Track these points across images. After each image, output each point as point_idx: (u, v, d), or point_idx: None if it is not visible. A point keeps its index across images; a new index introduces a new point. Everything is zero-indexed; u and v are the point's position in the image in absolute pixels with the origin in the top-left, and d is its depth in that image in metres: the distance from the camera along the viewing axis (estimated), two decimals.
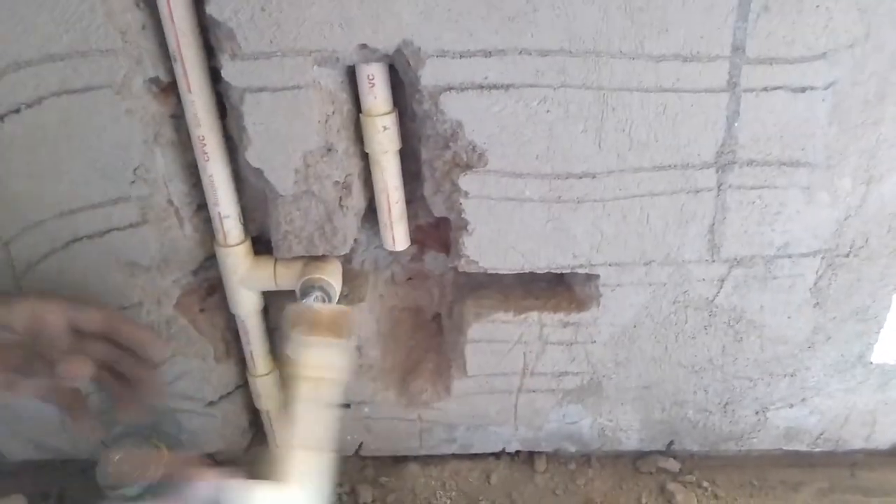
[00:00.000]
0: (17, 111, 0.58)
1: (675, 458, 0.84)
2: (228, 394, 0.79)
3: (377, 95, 0.60)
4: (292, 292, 0.67)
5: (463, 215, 0.64)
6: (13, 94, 0.57)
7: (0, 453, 0.83)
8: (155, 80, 0.59)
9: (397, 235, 0.67)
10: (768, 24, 0.55)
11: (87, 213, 0.63)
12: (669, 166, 0.62)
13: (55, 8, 0.53)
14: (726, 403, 0.78)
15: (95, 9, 0.53)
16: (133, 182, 0.61)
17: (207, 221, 0.66)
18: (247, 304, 0.70)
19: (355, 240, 0.68)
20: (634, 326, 0.72)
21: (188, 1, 0.54)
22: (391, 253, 0.72)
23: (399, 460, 0.85)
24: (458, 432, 0.82)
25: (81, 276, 0.66)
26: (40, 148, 0.59)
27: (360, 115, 0.61)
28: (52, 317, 0.52)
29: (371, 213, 0.68)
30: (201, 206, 0.67)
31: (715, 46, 0.56)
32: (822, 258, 0.67)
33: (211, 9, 0.54)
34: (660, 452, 0.84)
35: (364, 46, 0.56)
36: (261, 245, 0.69)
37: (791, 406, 0.78)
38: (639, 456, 0.85)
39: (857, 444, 0.82)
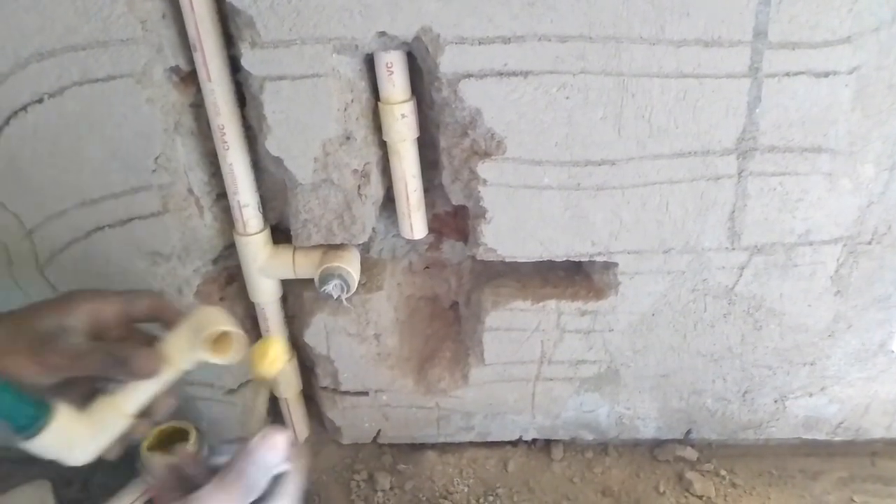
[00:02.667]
0: (40, 101, 0.58)
1: (693, 446, 0.84)
2: (247, 382, 0.79)
3: (395, 83, 0.59)
4: (311, 280, 0.67)
5: (481, 203, 0.64)
6: (36, 84, 0.57)
7: None
8: (175, 69, 0.59)
9: (415, 224, 0.67)
10: (791, 7, 0.54)
11: (109, 202, 0.64)
12: (689, 153, 0.61)
13: None
14: (745, 392, 0.78)
15: None
16: (154, 171, 0.62)
17: (227, 210, 0.67)
18: (266, 293, 0.71)
19: (373, 228, 0.68)
20: (653, 315, 0.71)
21: None
22: (409, 241, 0.72)
23: (417, 448, 0.85)
24: (475, 420, 0.82)
25: (104, 265, 0.67)
26: (62, 137, 0.60)
27: (379, 103, 0.61)
28: (108, 312, 0.54)
29: (389, 202, 0.68)
30: (221, 195, 0.67)
31: (737, 31, 0.55)
32: (844, 245, 0.66)
33: None
34: (678, 441, 0.84)
35: (383, 34, 0.56)
36: (280, 234, 0.69)
37: (811, 395, 0.77)
38: (656, 444, 0.85)
39: (878, 433, 0.81)
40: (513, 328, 0.73)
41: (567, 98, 0.58)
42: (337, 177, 0.63)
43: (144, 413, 0.54)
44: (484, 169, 0.62)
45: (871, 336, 0.73)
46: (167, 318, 0.55)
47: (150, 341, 0.53)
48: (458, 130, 0.61)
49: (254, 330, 0.77)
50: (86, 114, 0.59)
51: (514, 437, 0.84)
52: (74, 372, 0.51)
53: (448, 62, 0.57)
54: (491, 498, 0.80)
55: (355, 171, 0.63)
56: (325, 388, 0.80)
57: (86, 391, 0.53)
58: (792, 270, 0.68)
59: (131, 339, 0.55)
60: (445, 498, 0.80)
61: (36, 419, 0.47)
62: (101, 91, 0.58)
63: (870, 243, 0.66)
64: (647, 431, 0.82)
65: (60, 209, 0.64)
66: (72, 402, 0.51)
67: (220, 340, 0.53)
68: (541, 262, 0.69)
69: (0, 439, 0.81)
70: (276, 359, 0.56)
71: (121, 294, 0.55)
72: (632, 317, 0.72)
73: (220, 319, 0.53)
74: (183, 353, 0.52)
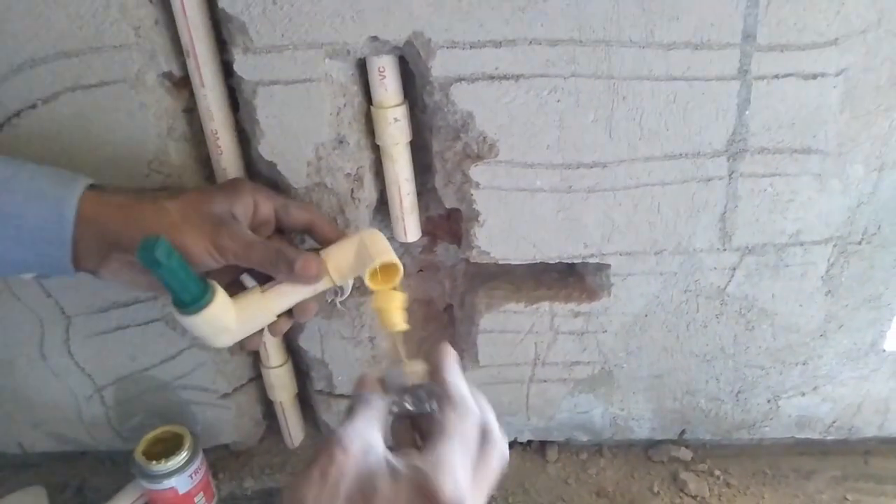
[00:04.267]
0: (33, 107, 0.58)
1: (687, 446, 0.84)
2: (242, 385, 0.79)
3: (388, 87, 0.60)
4: None
5: (474, 206, 0.64)
6: (29, 91, 0.57)
7: (20, 445, 0.84)
8: (168, 75, 0.59)
9: (409, 227, 0.68)
10: (779, 10, 0.55)
11: None
12: (680, 155, 0.62)
13: (70, 4, 0.54)
14: (738, 392, 0.78)
15: (110, 5, 0.54)
16: (147, 175, 0.62)
17: None
18: None
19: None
20: (646, 316, 0.72)
21: None
22: (402, 244, 0.72)
23: None
24: None
25: None
26: (56, 142, 0.60)
27: (371, 107, 0.62)
28: (266, 209, 0.56)
29: (382, 206, 0.68)
30: None
31: (726, 34, 0.56)
32: (834, 246, 0.67)
33: (223, 3, 0.54)
34: (672, 441, 0.84)
35: (375, 39, 0.56)
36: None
37: (803, 394, 0.78)
38: (651, 445, 0.85)
39: (870, 431, 0.82)
40: (507, 330, 0.73)
41: (558, 101, 0.59)
42: (330, 181, 0.63)
43: (289, 312, 0.56)
44: (476, 172, 0.62)
45: (863, 335, 0.73)
46: (322, 234, 0.57)
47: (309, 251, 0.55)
48: (451, 134, 0.62)
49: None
50: (79, 119, 0.59)
51: (508, 439, 0.84)
52: (241, 260, 0.52)
53: (440, 66, 0.57)
54: None
55: (348, 174, 0.63)
56: (319, 392, 0.81)
57: (231, 280, 0.56)
58: (783, 271, 0.68)
59: (290, 243, 0.57)
60: None
61: (201, 297, 0.50)
62: (95, 97, 0.58)
63: (860, 243, 0.67)
64: (642, 432, 0.83)
65: None
66: (227, 281, 0.54)
67: (384, 269, 0.55)
68: (534, 264, 0.69)
69: None
70: (400, 310, 0.56)
71: (281, 195, 0.58)
72: (625, 318, 0.72)
73: (385, 249, 0.55)
74: (342, 270, 0.55)
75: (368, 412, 0.45)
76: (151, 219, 0.52)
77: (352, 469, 0.41)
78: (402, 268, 0.55)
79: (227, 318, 0.53)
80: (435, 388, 0.47)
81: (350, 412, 0.46)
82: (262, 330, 0.57)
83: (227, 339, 0.55)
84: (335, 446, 0.41)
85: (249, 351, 0.57)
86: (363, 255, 0.55)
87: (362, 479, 0.40)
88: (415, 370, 0.49)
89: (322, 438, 0.49)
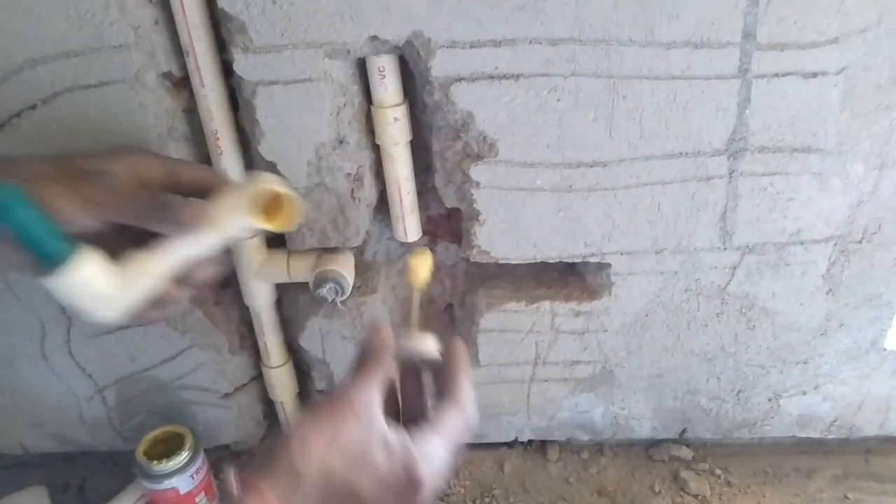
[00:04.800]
0: (33, 107, 0.58)
1: (688, 445, 0.84)
2: (243, 385, 0.80)
3: (388, 87, 0.60)
4: (306, 284, 0.68)
5: (474, 206, 0.64)
6: (29, 91, 0.58)
7: (21, 445, 0.84)
8: (168, 75, 0.59)
9: (409, 227, 0.68)
10: (779, 9, 0.55)
11: None
12: (680, 154, 0.62)
13: (70, 5, 0.54)
14: (739, 391, 0.78)
15: (109, 5, 0.54)
16: None
17: None
18: (261, 297, 0.71)
19: (367, 231, 0.68)
20: (646, 315, 0.72)
21: None
22: (403, 244, 0.72)
23: None
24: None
25: None
26: (56, 143, 0.60)
27: (371, 106, 0.62)
28: (154, 170, 0.51)
29: (383, 205, 0.68)
30: None
31: (726, 33, 0.56)
32: (835, 245, 0.67)
33: (223, 3, 0.54)
34: (672, 440, 0.84)
35: (374, 38, 0.56)
36: (274, 238, 0.70)
37: (804, 393, 0.78)
38: (651, 444, 0.85)
39: (871, 430, 0.82)
40: (507, 329, 0.73)
41: (558, 100, 0.59)
42: (330, 180, 0.63)
43: (183, 280, 0.51)
44: (476, 171, 0.62)
45: (864, 334, 0.73)
46: (214, 190, 0.51)
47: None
48: (451, 133, 0.62)
49: (250, 335, 0.77)
50: (79, 120, 0.59)
51: (509, 439, 0.85)
52: (115, 213, 0.48)
53: (439, 66, 0.57)
54: (487, 499, 0.80)
55: (349, 174, 0.63)
56: (321, 392, 0.81)
57: (126, 248, 0.50)
58: (784, 270, 0.68)
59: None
60: (442, 500, 0.80)
61: (59, 252, 0.44)
62: (95, 97, 0.58)
63: (860, 242, 0.67)
64: (643, 431, 0.83)
65: None
66: (109, 255, 0.48)
67: (273, 206, 0.49)
68: (534, 263, 0.69)
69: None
70: (427, 270, 0.55)
71: (167, 157, 0.53)
72: (625, 317, 0.72)
73: (273, 182, 0.49)
74: (230, 214, 0.49)
75: (378, 370, 0.48)
76: (17, 173, 0.46)
77: (357, 435, 0.44)
78: (294, 200, 0.50)
79: (100, 283, 0.47)
80: (446, 371, 0.50)
81: (361, 362, 0.49)
82: (161, 303, 0.51)
83: (108, 309, 0.48)
84: (347, 408, 0.45)
85: (143, 324, 0.51)
86: (253, 194, 0.48)
87: (363, 446, 0.44)
88: (426, 344, 0.51)
89: (338, 388, 0.49)
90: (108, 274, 0.47)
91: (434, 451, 0.46)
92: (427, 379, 0.54)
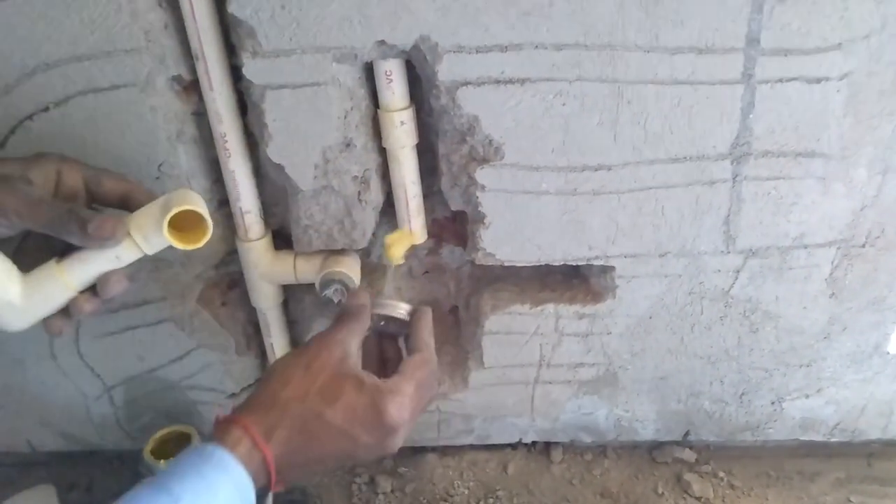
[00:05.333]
0: (46, 110, 0.59)
1: (691, 448, 0.84)
2: (249, 386, 0.80)
3: (395, 91, 0.60)
4: (312, 285, 0.68)
5: (480, 209, 0.65)
6: (42, 94, 0.58)
7: (29, 444, 0.85)
8: (178, 79, 0.60)
9: (415, 229, 0.68)
10: (783, 15, 0.55)
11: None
12: (685, 158, 0.62)
13: (83, 9, 0.55)
14: (742, 394, 0.78)
15: (121, 9, 0.55)
16: (157, 178, 0.63)
17: (229, 217, 0.68)
18: (268, 298, 0.72)
19: (373, 234, 0.69)
20: (650, 318, 0.72)
21: (210, 0, 0.56)
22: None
23: (417, 451, 0.86)
24: (475, 423, 0.83)
25: None
26: (67, 146, 0.61)
27: (378, 110, 0.62)
28: (73, 179, 0.51)
29: (389, 208, 0.69)
30: (223, 202, 0.68)
31: (730, 38, 0.56)
32: (838, 249, 0.67)
33: (232, 7, 0.55)
34: (676, 443, 0.85)
35: (382, 43, 0.57)
36: (281, 239, 0.70)
37: (807, 396, 0.78)
38: (655, 446, 0.85)
39: (874, 434, 0.82)
40: (512, 332, 0.74)
41: (563, 105, 0.59)
42: (337, 183, 0.63)
43: (93, 290, 0.50)
44: (482, 175, 0.63)
45: (867, 338, 0.73)
46: (137, 203, 0.51)
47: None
48: (457, 137, 0.62)
49: (256, 336, 0.78)
50: (90, 123, 0.60)
51: (513, 440, 0.85)
52: (27, 220, 0.47)
53: (446, 70, 0.58)
54: (491, 500, 0.80)
55: (355, 177, 0.64)
56: None
57: (39, 257, 0.49)
58: (787, 273, 0.69)
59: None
60: (446, 500, 0.81)
61: None
62: (105, 100, 0.59)
63: (863, 246, 0.67)
64: (646, 433, 0.83)
65: None
66: (21, 266, 0.48)
67: (187, 224, 0.49)
68: (539, 266, 0.70)
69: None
70: (405, 248, 0.64)
71: (91, 166, 0.52)
72: (629, 320, 0.72)
73: (189, 200, 0.48)
74: (143, 229, 0.48)
75: (355, 325, 0.56)
76: None
77: (330, 367, 0.51)
78: (207, 218, 0.49)
79: (7, 292, 0.46)
80: (411, 331, 0.59)
81: (340, 318, 0.57)
82: (66, 311, 0.50)
83: (15, 319, 0.48)
84: (323, 347, 0.53)
85: (52, 335, 0.51)
86: (166, 210, 0.47)
87: (336, 378, 0.51)
88: (399, 307, 0.60)
89: (316, 334, 0.55)
90: (13, 282, 0.47)
91: (403, 394, 0.52)
92: (403, 345, 0.62)
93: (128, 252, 0.49)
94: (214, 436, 0.48)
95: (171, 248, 0.49)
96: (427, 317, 0.61)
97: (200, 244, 0.50)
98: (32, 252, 0.50)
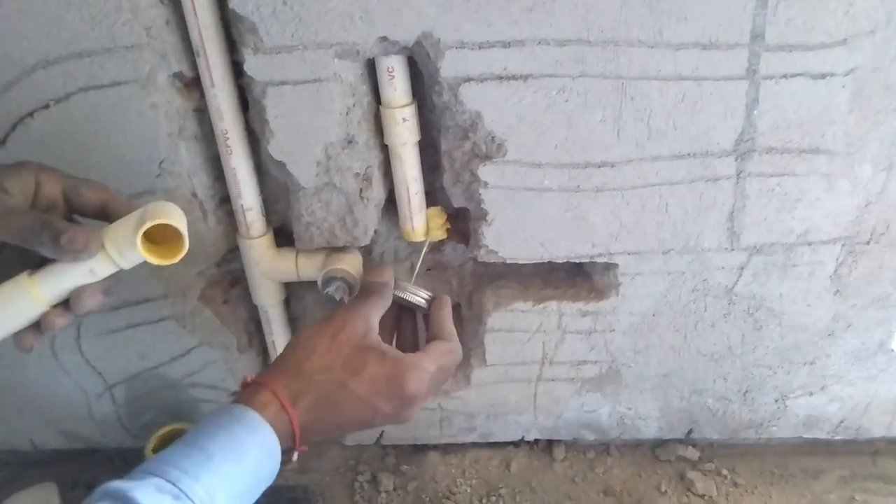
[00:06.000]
0: (46, 107, 0.59)
1: (694, 446, 0.84)
2: None
3: (397, 87, 0.60)
4: (314, 283, 0.68)
5: (482, 206, 0.65)
6: (42, 91, 0.58)
7: (31, 442, 0.85)
8: (179, 75, 0.60)
9: (417, 226, 0.68)
10: (788, 10, 0.55)
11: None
12: (688, 155, 0.62)
13: (83, 6, 0.54)
14: (746, 391, 0.78)
15: (122, 6, 0.55)
16: (158, 175, 0.63)
17: (230, 214, 0.68)
18: (269, 295, 0.71)
19: (375, 231, 0.69)
20: (653, 315, 0.72)
21: None
22: (410, 244, 0.72)
23: (420, 448, 0.86)
24: (477, 421, 0.82)
25: None
26: (68, 142, 0.61)
27: (380, 106, 0.62)
28: (51, 190, 0.49)
29: (391, 205, 0.69)
30: (224, 199, 0.68)
31: (734, 34, 0.56)
32: (843, 245, 0.67)
33: (233, 3, 0.55)
34: (679, 441, 0.84)
35: (384, 39, 0.57)
36: (283, 237, 0.70)
37: (811, 394, 0.78)
38: (658, 444, 0.85)
39: (878, 431, 0.81)
40: (514, 329, 0.74)
41: (566, 101, 0.59)
42: (339, 180, 0.63)
43: (66, 304, 0.48)
44: (485, 172, 0.63)
45: (871, 335, 0.73)
46: (116, 213, 0.49)
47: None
48: (459, 134, 0.62)
49: (258, 334, 0.77)
50: (91, 119, 0.59)
51: (516, 438, 0.85)
52: None
53: (448, 66, 0.57)
54: (493, 498, 0.80)
55: (357, 174, 0.64)
56: None
57: (14, 272, 0.47)
58: (791, 270, 0.68)
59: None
60: (448, 498, 0.81)
61: None
62: (107, 97, 0.58)
63: (868, 243, 0.67)
64: (649, 431, 0.83)
65: None
66: None
67: (163, 238, 0.47)
68: (542, 263, 0.69)
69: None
70: (440, 225, 0.67)
71: (70, 175, 0.51)
72: (633, 317, 0.72)
73: (164, 213, 0.46)
74: (118, 243, 0.46)
75: (378, 301, 0.58)
76: None
77: (354, 340, 0.54)
78: (184, 233, 0.47)
79: None
80: (433, 318, 0.61)
81: (364, 293, 0.59)
82: (37, 326, 0.48)
83: None
84: (348, 318, 0.55)
85: (22, 350, 0.49)
86: (141, 223, 0.45)
87: (359, 351, 0.53)
88: (419, 294, 0.63)
89: (341, 307, 0.57)
90: None
91: (424, 370, 0.54)
92: (421, 323, 0.64)
93: (102, 266, 0.47)
94: (241, 397, 0.50)
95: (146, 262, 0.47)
96: (448, 306, 0.62)
97: (176, 259, 0.47)
98: (7, 264, 0.48)
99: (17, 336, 0.48)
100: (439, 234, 0.69)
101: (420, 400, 0.54)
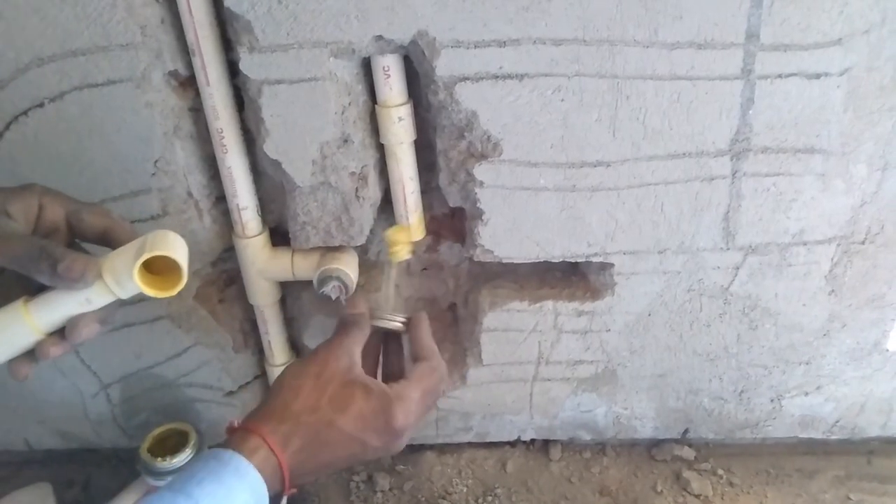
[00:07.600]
0: (41, 105, 0.59)
1: (690, 446, 0.84)
2: (247, 383, 0.80)
3: (392, 87, 0.60)
4: (310, 282, 0.68)
5: (478, 205, 0.65)
6: (37, 89, 0.58)
7: (26, 442, 0.85)
8: (174, 74, 0.60)
9: (413, 225, 0.68)
10: (783, 10, 0.55)
11: (109, 206, 0.64)
12: (684, 154, 0.62)
13: (78, 4, 0.54)
14: (741, 391, 0.78)
15: (116, 4, 0.54)
16: (153, 174, 0.62)
17: (226, 213, 0.67)
18: (265, 295, 0.71)
19: (371, 230, 0.69)
20: (649, 315, 0.72)
21: None
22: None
23: (416, 448, 0.86)
24: (473, 421, 0.82)
25: None
26: (63, 141, 0.60)
27: (376, 106, 0.62)
28: (54, 214, 0.49)
29: (387, 204, 0.68)
30: (220, 198, 0.68)
31: (729, 33, 0.56)
32: (838, 245, 0.67)
33: (229, 2, 0.55)
34: (675, 440, 0.84)
35: (380, 38, 0.57)
36: (278, 236, 0.70)
37: (806, 394, 0.78)
38: (654, 444, 0.85)
39: (874, 431, 0.82)
40: (510, 329, 0.74)
41: (562, 100, 0.59)
42: (335, 179, 0.63)
43: (62, 333, 0.46)
44: (480, 171, 0.63)
45: (866, 335, 0.73)
46: (121, 243, 0.48)
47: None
48: (455, 133, 0.62)
49: (253, 333, 0.77)
50: (86, 118, 0.59)
51: (512, 438, 0.85)
52: None
53: (444, 66, 0.57)
54: (490, 498, 0.80)
55: (353, 173, 0.64)
56: None
57: (12, 298, 0.46)
58: (786, 270, 0.68)
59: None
60: (444, 498, 0.80)
61: None
62: (101, 95, 0.58)
63: (863, 243, 0.67)
64: (645, 431, 0.83)
65: None
66: None
67: (166, 268, 0.46)
68: (538, 263, 0.69)
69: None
70: (407, 244, 0.66)
71: (74, 200, 0.50)
72: (628, 317, 0.72)
73: (163, 245, 0.45)
74: (117, 273, 0.45)
75: (357, 333, 0.59)
76: None
77: (339, 376, 0.54)
78: (183, 266, 0.45)
79: None
80: (412, 338, 0.61)
81: (341, 327, 0.60)
82: (32, 354, 0.47)
83: None
84: (330, 356, 0.56)
85: (16, 380, 0.47)
86: (140, 253, 0.44)
87: (345, 387, 0.54)
88: (394, 319, 0.63)
89: (320, 344, 0.59)
90: None
91: (410, 399, 0.55)
92: (407, 342, 0.64)
93: (99, 295, 0.45)
94: (229, 443, 0.49)
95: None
96: (424, 323, 0.63)
97: (174, 292, 0.46)
98: (7, 287, 0.47)
99: (11, 364, 0.47)
100: (403, 253, 0.67)
101: (409, 430, 0.55)
